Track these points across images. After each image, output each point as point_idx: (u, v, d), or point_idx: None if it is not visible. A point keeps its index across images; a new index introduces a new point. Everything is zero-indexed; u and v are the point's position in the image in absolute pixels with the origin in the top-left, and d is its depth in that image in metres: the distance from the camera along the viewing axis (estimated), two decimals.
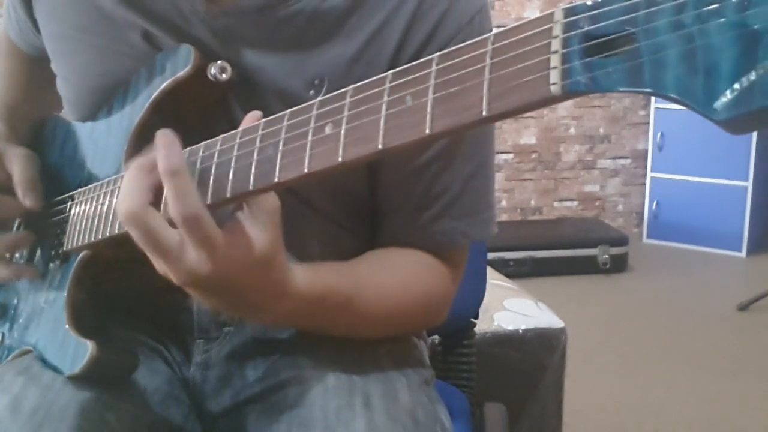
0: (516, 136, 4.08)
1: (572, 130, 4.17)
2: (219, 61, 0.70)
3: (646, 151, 4.12)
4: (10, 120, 0.93)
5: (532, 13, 3.95)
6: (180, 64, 0.71)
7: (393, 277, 0.77)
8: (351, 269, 0.75)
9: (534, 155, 4.15)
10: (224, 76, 0.70)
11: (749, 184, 3.79)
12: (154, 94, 0.72)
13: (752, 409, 2.31)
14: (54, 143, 0.88)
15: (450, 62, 0.46)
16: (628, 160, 4.27)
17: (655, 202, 4.09)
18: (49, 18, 0.81)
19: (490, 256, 2.88)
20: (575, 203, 4.25)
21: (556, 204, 4.23)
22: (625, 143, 4.24)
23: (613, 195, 4.30)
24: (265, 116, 0.58)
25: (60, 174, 0.85)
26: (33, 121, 0.93)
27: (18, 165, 0.82)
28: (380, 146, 0.48)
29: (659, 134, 4.00)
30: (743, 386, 2.45)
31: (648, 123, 4.10)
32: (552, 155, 4.17)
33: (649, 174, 4.09)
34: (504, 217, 4.11)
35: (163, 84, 0.72)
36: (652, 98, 3.84)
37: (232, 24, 0.72)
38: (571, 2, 0.40)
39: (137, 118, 0.73)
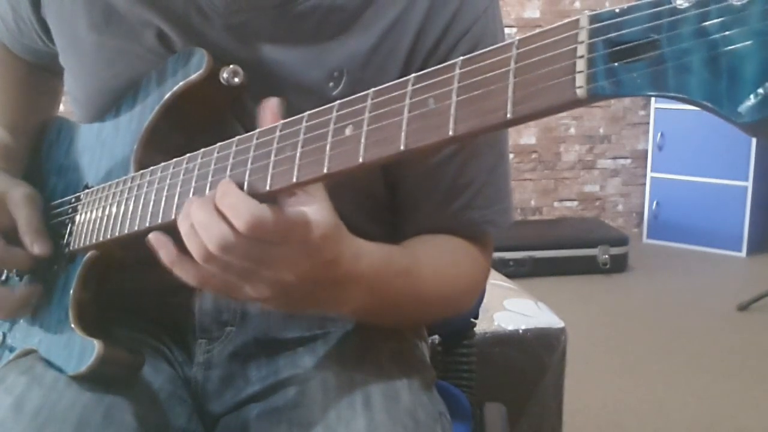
0: (516, 135, 4.08)
1: (572, 130, 4.17)
2: (231, 66, 0.71)
3: (646, 151, 4.13)
4: (11, 128, 0.92)
5: (532, 13, 3.95)
6: (192, 68, 0.71)
7: (442, 255, 0.78)
8: (404, 245, 0.76)
9: (534, 155, 4.15)
10: (236, 80, 0.70)
11: (749, 184, 3.80)
12: (165, 97, 0.72)
13: (752, 409, 2.31)
14: (58, 144, 0.88)
15: (474, 66, 0.46)
16: (628, 160, 4.27)
17: (655, 202, 4.10)
18: (59, 17, 0.80)
19: None
20: (575, 203, 4.26)
21: (556, 204, 4.24)
22: (625, 143, 4.25)
23: (613, 195, 4.31)
24: (285, 110, 0.59)
25: (64, 175, 0.85)
26: (35, 126, 0.92)
27: (21, 210, 0.79)
28: (402, 147, 0.49)
29: (659, 134, 4.00)
30: (743, 386, 2.45)
31: (648, 123, 4.10)
32: (552, 155, 4.18)
33: (649, 174, 4.10)
34: None
35: (174, 87, 0.72)
36: (653, 98, 3.84)
37: (251, 19, 0.73)
38: (594, 9, 0.41)
39: (147, 121, 0.74)
